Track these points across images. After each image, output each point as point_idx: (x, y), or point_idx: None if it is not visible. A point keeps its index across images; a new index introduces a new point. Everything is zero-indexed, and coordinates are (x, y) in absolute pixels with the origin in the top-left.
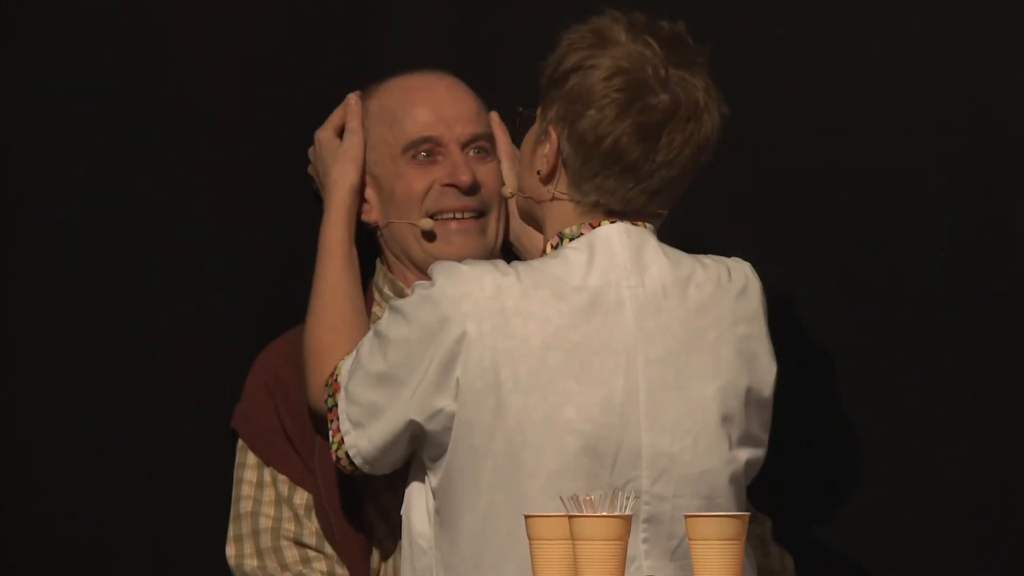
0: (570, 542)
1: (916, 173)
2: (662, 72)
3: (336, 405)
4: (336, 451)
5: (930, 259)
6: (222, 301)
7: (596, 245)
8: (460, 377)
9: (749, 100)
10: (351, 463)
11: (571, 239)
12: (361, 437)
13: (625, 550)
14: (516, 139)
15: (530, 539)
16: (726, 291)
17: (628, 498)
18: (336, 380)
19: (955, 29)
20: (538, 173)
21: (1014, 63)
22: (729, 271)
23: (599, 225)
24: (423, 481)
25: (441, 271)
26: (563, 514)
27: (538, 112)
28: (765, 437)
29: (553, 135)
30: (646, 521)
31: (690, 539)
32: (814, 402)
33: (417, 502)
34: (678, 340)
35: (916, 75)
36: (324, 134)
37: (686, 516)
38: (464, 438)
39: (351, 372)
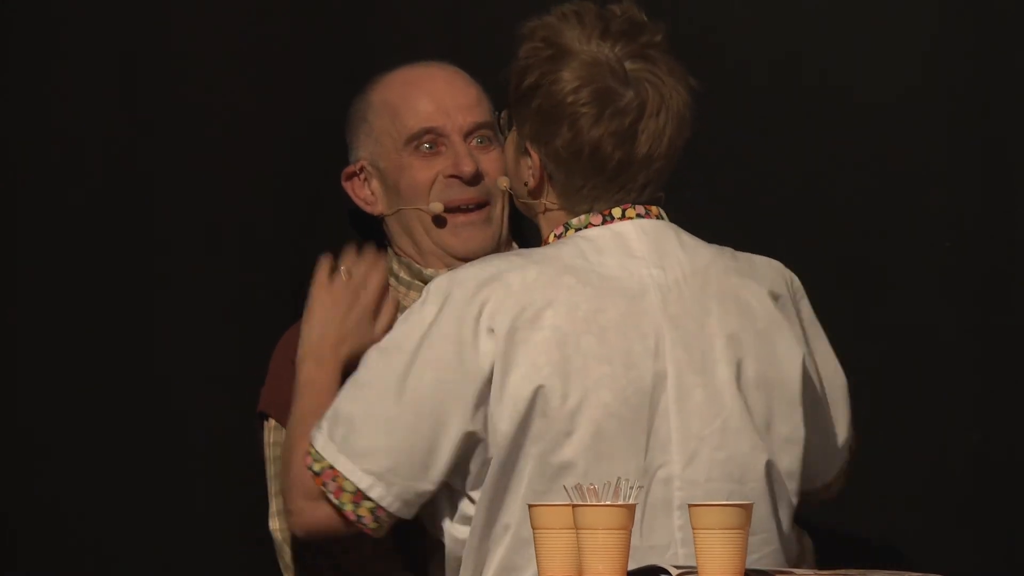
0: (574, 531)
1: (919, 165)
2: (621, 71)
3: (327, 467)
4: (355, 512)
5: (935, 250)
6: (227, 295)
7: (609, 239)
8: (500, 378)
9: (750, 95)
10: (376, 519)
11: (578, 229)
12: (393, 485)
13: (629, 539)
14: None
15: (534, 528)
16: (746, 284)
17: (632, 488)
18: (313, 446)
19: (958, 24)
20: (526, 185)
21: (1016, 54)
22: (752, 264)
23: (610, 215)
24: (446, 494)
25: (455, 281)
26: (566, 503)
27: (512, 116)
28: (798, 434)
29: (533, 153)
30: (680, 508)
31: (693, 528)
32: None
33: (447, 514)
34: (701, 326)
35: (918, 69)
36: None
37: (689, 505)
38: (506, 434)
39: (344, 428)
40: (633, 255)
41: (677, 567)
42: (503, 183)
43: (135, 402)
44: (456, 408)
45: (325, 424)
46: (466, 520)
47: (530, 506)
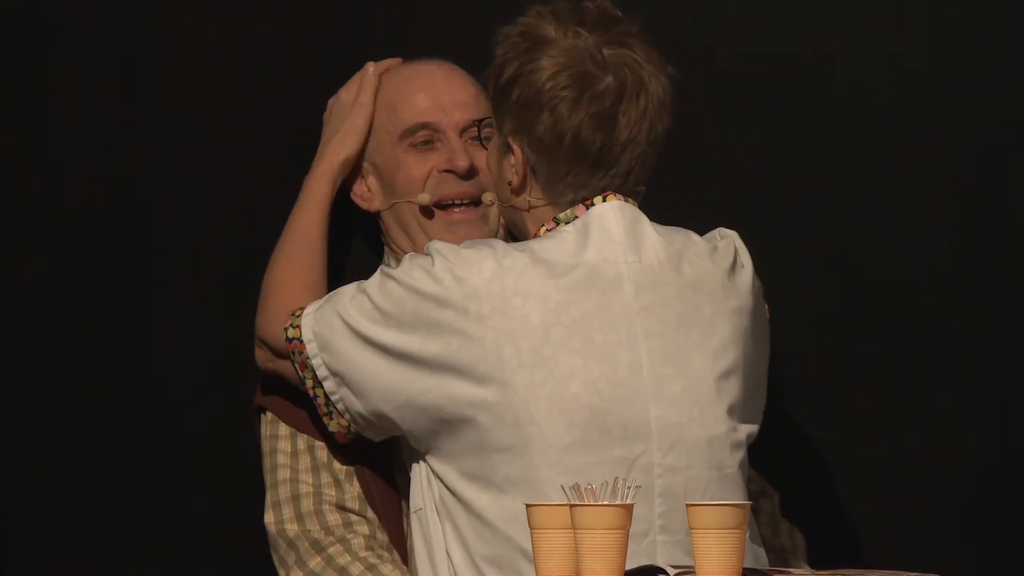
0: (571, 531)
1: (918, 163)
2: (599, 57)
3: (299, 339)
4: (313, 389)
5: (933, 250)
6: (228, 295)
7: (591, 223)
8: (460, 360)
9: (750, 92)
10: (329, 405)
11: (566, 222)
12: (346, 393)
13: (626, 539)
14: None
15: (531, 528)
16: (718, 266)
17: (630, 488)
18: (300, 316)
19: (957, 23)
20: (509, 184)
21: (1016, 53)
22: (718, 247)
23: (592, 203)
24: (424, 475)
25: (439, 252)
26: (564, 503)
27: (493, 122)
28: (759, 415)
29: (515, 147)
30: (661, 495)
31: (691, 528)
32: (818, 390)
33: (427, 493)
34: (675, 314)
35: (918, 65)
36: (347, 95)
37: (688, 505)
38: (472, 419)
39: (326, 320)
40: (612, 239)
41: (675, 567)
42: (487, 198)
43: (135, 402)
44: (413, 373)
45: (324, 300)
46: (441, 502)
47: (528, 506)
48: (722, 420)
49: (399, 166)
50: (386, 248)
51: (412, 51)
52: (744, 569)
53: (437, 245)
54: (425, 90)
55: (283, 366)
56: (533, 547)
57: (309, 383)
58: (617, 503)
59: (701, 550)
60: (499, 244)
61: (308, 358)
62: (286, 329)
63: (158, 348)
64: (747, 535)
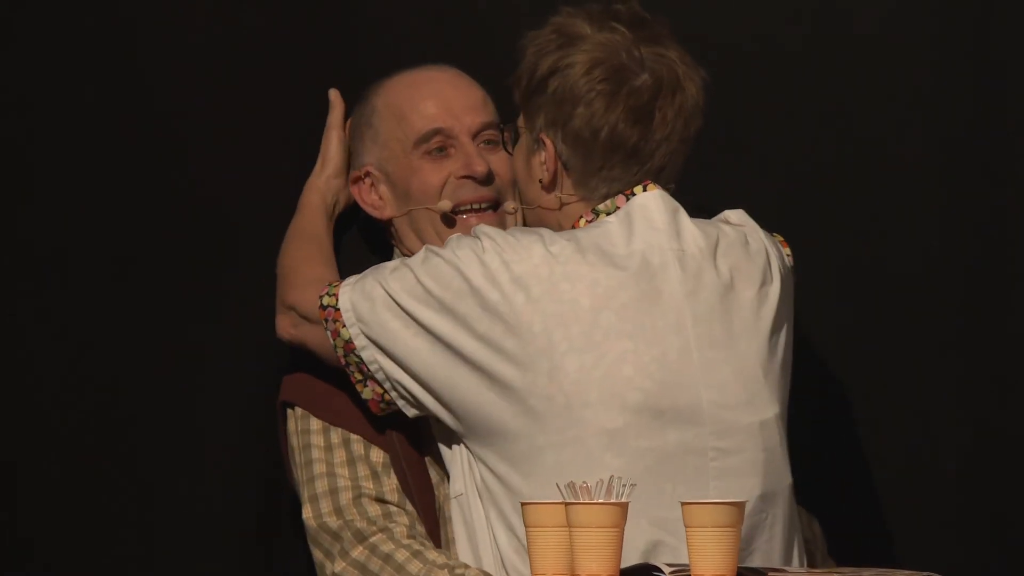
0: (567, 529)
1: (918, 163)
2: (636, 53)
3: (334, 307)
4: (345, 357)
5: (933, 250)
6: (231, 294)
7: (634, 212)
8: (506, 344)
9: (749, 91)
10: (361, 373)
11: (607, 213)
12: (385, 360)
13: (621, 537)
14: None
15: (526, 527)
16: (751, 256)
17: (625, 486)
18: (338, 286)
19: (957, 19)
20: (540, 182)
21: (1014, 51)
22: (748, 237)
23: (632, 193)
24: (464, 459)
25: (488, 235)
26: (559, 501)
27: (520, 124)
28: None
29: (547, 142)
30: (716, 478)
31: (686, 526)
32: (817, 389)
33: (468, 477)
34: (719, 300)
35: (918, 64)
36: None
37: (682, 503)
38: (519, 402)
39: (366, 291)
40: (655, 227)
41: (670, 565)
42: (510, 207)
43: (135, 402)
44: (453, 356)
45: (364, 273)
46: (484, 488)
47: (523, 504)
48: (770, 403)
49: (414, 173)
50: (397, 253)
51: (407, 49)
52: (740, 568)
53: (485, 229)
54: (433, 96)
55: (308, 333)
56: (528, 545)
57: (340, 352)
58: (612, 501)
59: (696, 548)
60: (546, 232)
61: (343, 326)
62: (321, 297)
63: (159, 348)
64: (791, 509)
